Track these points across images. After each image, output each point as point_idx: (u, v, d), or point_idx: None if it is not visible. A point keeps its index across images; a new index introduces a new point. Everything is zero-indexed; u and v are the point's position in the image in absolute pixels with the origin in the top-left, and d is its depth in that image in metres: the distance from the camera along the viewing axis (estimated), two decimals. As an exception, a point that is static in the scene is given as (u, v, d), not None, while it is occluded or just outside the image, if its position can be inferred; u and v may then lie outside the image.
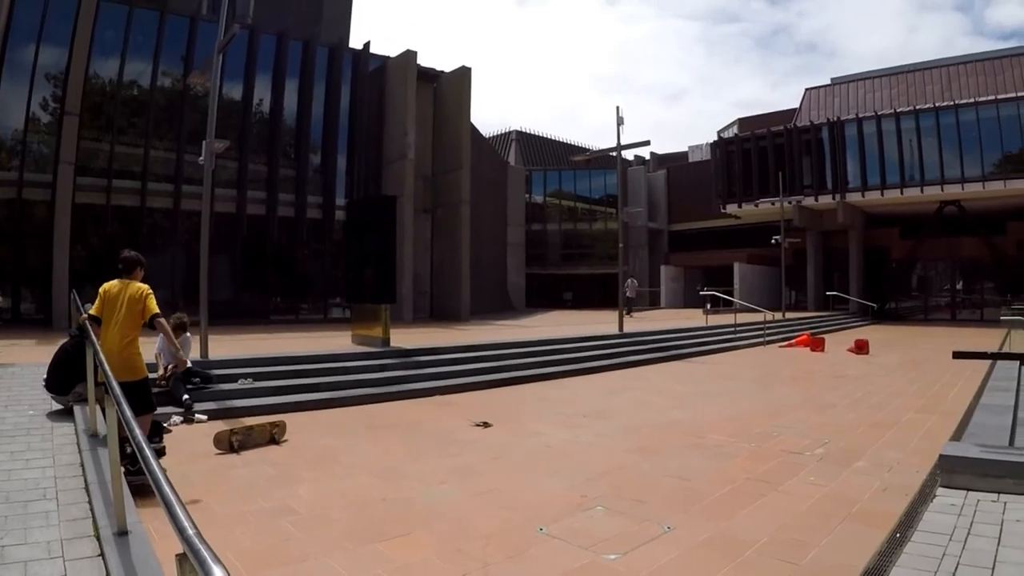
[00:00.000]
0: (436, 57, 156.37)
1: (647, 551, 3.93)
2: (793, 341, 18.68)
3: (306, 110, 21.71)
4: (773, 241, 27.78)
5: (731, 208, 34.26)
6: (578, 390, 10.80)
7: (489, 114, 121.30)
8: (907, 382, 11.22)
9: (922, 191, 28.29)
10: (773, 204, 29.46)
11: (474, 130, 26.08)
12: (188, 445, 6.40)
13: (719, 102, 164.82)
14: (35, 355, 9.49)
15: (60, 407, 6.21)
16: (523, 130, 50.65)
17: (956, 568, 3.30)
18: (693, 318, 22.99)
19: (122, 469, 3.83)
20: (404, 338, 13.08)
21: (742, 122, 43.55)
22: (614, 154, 18.38)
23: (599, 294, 37.88)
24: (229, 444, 6.31)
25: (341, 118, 22.50)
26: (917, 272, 34.95)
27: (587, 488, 5.19)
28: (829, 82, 41.51)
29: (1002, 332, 17.29)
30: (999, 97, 27.51)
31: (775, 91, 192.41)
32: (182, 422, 7.44)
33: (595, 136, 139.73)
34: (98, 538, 3.40)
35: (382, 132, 23.31)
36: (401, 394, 9.71)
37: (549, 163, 47.43)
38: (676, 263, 40.14)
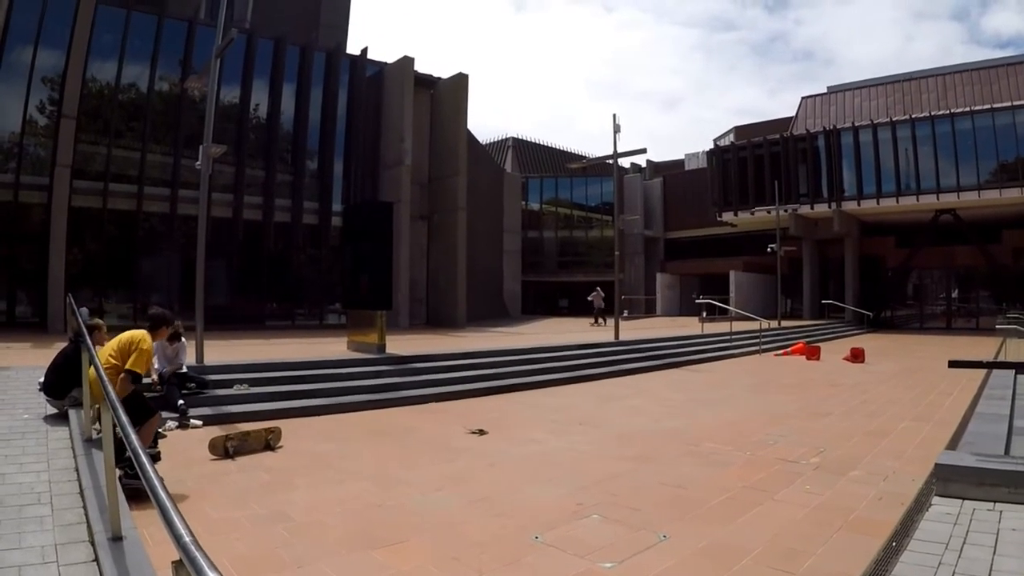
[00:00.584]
0: (433, 63, 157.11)
1: (643, 559, 3.92)
2: (789, 349, 18.71)
3: (303, 115, 21.76)
4: (769, 249, 27.81)
5: (727, 216, 34.33)
6: (574, 398, 10.79)
7: (485, 120, 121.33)
8: (903, 391, 11.22)
9: (918, 200, 28.40)
10: (769, 212, 29.51)
11: (471, 137, 26.14)
12: (183, 450, 6.38)
13: (715, 110, 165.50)
14: (30, 358, 9.45)
15: (55, 411, 6.20)
16: (519, 137, 50.81)
17: (952, 577, 3.31)
18: (689, 326, 23.01)
19: (118, 473, 3.82)
20: (400, 345, 13.06)
21: (738, 130, 43.74)
22: (610, 162, 18.43)
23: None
24: (224, 450, 6.29)
25: (338, 123, 22.56)
26: (913, 281, 35.03)
27: (583, 496, 5.18)
28: (825, 90, 41.74)
29: (997, 341, 17.34)
30: (995, 106, 27.66)
31: (772, 99, 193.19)
32: (177, 427, 7.41)
33: (591, 143, 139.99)
34: (92, 543, 3.39)
35: (379, 138, 23.36)
36: (397, 401, 9.69)
37: (545, 170, 47.51)
38: (672, 271, 40.21)
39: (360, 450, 6.89)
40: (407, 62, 22.83)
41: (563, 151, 51.49)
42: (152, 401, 6.00)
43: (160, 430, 5.72)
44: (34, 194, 16.88)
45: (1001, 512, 4.20)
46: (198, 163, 10.10)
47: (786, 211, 29.75)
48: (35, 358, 9.21)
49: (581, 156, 43.47)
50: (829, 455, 6.48)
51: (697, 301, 24.51)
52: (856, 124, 31.06)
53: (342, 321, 18.18)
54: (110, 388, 3.56)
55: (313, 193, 22.16)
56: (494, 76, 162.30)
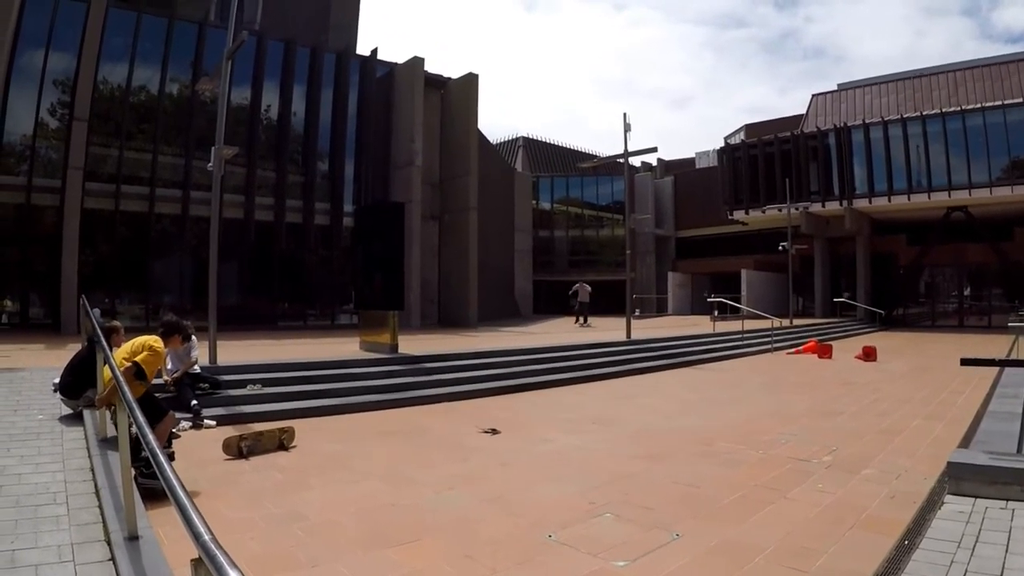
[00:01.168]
0: (443, 64, 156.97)
1: (656, 558, 3.93)
2: (800, 348, 18.61)
3: (314, 116, 21.84)
4: (780, 248, 27.67)
5: (738, 215, 34.19)
6: (586, 397, 10.80)
7: (496, 120, 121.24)
8: (915, 389, 11.17)
9: (929, 197, 28.18)
10: (780, 211, 29.35)
11: (481, 136, 26.13)
12: (197, 450, 6.42)
13: (726, 108, 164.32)
14: (44, 360, 9.54)
15: (70, 411, 6.25)
16: (530, 136, 50.77)
17: (964, 575, 3.30)
18: (700, 325, 22.94)
19: (134, 472, 3.86)
20: (412, 345, 13.09)
21: (749, 128, 43.49)
22: (621, 161, 18.40)
23: (606, 301, 37.78)
24: (238, 449, 6.33)
25: (348, 124, 22.63)
26: (924, 278, 34.75)
27: (595, 495, 5.19)
28: (836, 88, 41.46)
29: (1010, 338, 17.18)
30: (1006, 102, 27.39)
31: (783, 97, 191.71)
32: (191, 427, 7.46)
33: (601, 141, 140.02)
34: (109, 543, 3.42)
35: (389, 138, 23.41)
36: (409, 400, 9.72)
37: (556, 169, 47.46)
38: (683, 270, 40.04)
39: (373, 450, 6.92)
40: (417, 63, 22.87)
41: (574, 150, 51.38)
42: (165, 402, 6.06)
43: (174, 430, 5.77)
44: (46, 196, 17.01)
45: (1014, 510, 4.18)
46: (210, 165, 10.16)
47: (797, 209, 29.58)
48: (49, 359, 9.30)
49: (592, 155, 43.28)
50: (841, 454, 6.46)
51: (708, 300, 24.41)
52: (867, 121, 30.83)
53: (354, 321, 18.23)
54: (126, 388, 3.60)
55: (324, 194, 22.24)
56: (504, 76, 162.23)
